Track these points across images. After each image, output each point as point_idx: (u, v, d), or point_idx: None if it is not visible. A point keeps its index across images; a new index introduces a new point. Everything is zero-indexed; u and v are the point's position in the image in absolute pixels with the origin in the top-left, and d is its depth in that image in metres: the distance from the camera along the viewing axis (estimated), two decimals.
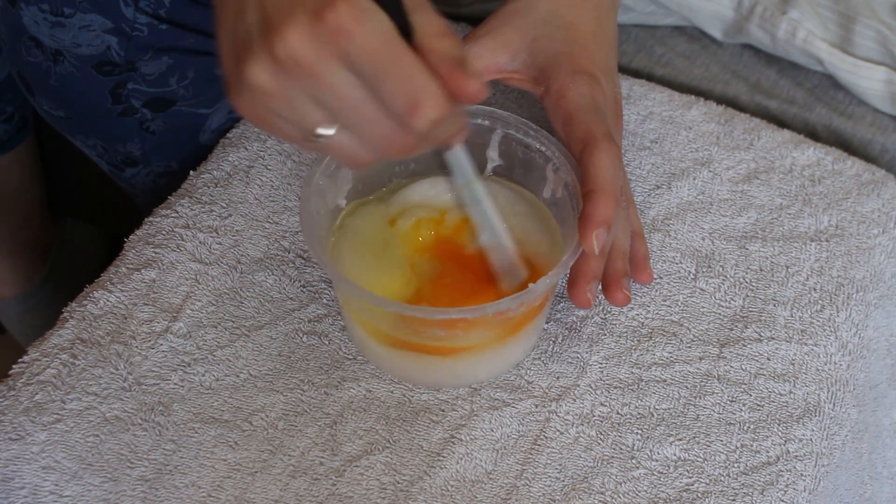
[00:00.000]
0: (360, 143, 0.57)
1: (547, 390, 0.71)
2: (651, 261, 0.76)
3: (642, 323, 0.74)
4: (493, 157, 0.74)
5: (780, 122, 0.88)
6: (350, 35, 0.53)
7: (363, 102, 0.55)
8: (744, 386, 0.72)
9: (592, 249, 0.66)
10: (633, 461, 0.68)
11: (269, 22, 0.54)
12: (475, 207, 0.67)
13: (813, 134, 0.88)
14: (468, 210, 0.68)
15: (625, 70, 0.91)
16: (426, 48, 0.55)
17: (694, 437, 0.69)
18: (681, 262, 0.77)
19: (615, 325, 0.74)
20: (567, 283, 0.69)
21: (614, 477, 0.68)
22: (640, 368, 0.72)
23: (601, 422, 0.70)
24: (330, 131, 0.57)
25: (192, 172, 0.83)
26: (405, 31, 0.55)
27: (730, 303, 0.75)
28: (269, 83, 0.55)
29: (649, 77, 0.91)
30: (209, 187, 0.81)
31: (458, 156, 0.64)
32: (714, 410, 0.70)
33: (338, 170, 0.71)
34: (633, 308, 0.75)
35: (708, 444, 0.69)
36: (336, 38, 0.53)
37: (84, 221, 1.33)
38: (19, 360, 0.73)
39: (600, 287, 0.71)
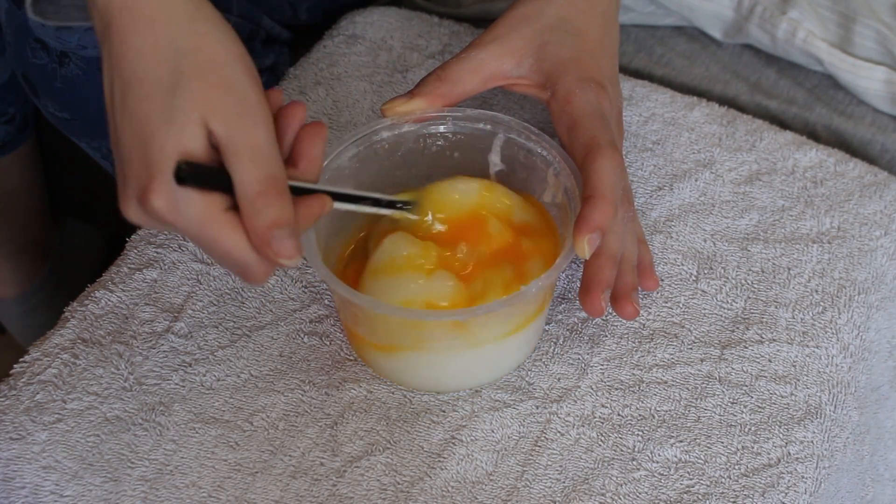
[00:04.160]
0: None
1: (548, 391, 0.71)
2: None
3: (643, 324, 0.74)
4: (496, 161, 0.74)
5: (780, 122, 0.88)
6: (169, 219, 0.59)
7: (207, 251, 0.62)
8: (745, 388, 0.71)
9: (584, 253, 0.66)
10: (634, 463, 0.68)
11: (120, 184, 0.61)
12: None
13: (813, 134, 0.88)
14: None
15: (625, 70, 0.91)
16: (243, 214, 0.60)
17: (695, 439, 0.69)
18: (682, 264, 0.77)
19: (616, 326, 0.74)
20: (580, 291, 0.69)
21: (615, 478, 0.68)
22: (642, 370, 0.72)
23: (602, 423, 0.70)
24: None
25: None
26: (227, 188, 0.60)
27: (731, 304, 0.75)
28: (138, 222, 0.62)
29: (649, 77, 0.91)
30: None
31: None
32: (715, 412, 0.70)
33: (337, 173, 0.71)
34: None
35: (709, 445, 0.69)
36: (160, 220, 0.60)
37: (84, 221, 1.33)
38: (20, 359, 0.73)
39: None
